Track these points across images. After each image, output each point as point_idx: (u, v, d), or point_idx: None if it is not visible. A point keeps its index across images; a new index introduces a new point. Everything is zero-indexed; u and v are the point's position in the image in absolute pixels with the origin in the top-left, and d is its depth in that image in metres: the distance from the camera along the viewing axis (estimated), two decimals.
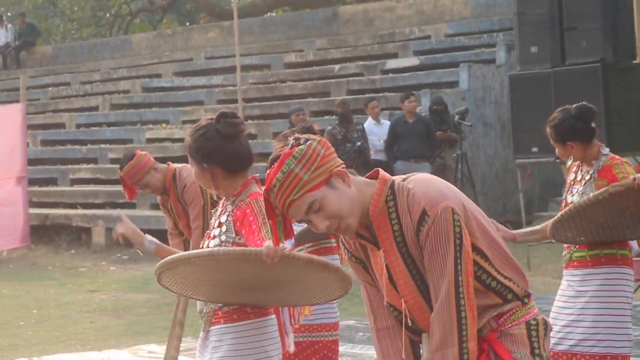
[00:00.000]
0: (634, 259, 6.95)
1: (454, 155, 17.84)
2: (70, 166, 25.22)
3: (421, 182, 3.86)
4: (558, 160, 15.12)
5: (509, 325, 3.91)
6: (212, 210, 6.50)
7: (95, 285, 16.47)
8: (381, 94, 21.26)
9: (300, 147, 3.79)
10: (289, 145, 3.82)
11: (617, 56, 15.48)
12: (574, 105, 6.83)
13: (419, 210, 3.77)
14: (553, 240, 6.81)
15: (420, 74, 23.11)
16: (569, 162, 7.02)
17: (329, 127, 17.90)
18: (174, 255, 4.66)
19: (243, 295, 4.89)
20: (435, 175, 4.19)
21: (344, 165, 3.90)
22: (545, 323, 4.00)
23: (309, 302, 5.38)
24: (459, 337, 3.75)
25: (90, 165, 24.89)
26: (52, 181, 24.84)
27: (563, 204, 6.88)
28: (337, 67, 25.59)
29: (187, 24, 40.72)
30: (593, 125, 6.77)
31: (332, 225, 3.82)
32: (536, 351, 3.92)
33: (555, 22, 15.59)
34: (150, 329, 11.35)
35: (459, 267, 3.73)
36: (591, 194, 6.38)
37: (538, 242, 6.73)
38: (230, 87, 24.86)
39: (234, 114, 5.13)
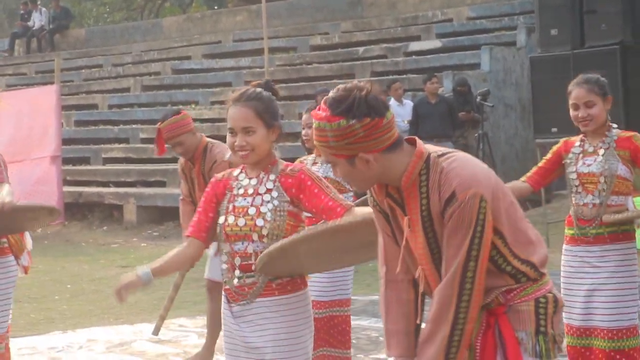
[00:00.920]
0: None
1: (476, 135, 17.84)
2: (102, 146, 25.27)
3: (457, 162, 3.86)
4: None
5: (518, 301, 3.95)
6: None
7: (127, 261, 16.51)
8: (404, 76, 21.27)
9: (341, 121, 3.78)
10: (341, 106, 3.81)
11: (636, 39, 15.43)
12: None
13: (449, 190, 3.79)
14: None
15: (443, 56, 23.09)
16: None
17: None
18: (270, 250, 4.65)
19: (324, 263, 5.14)
20: None
21: (385, 145, 3.85)
22: (556, 300, 4.01)
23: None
24: (454, 317, 3.79)
25: (122, 145, 24.93)
26: (85, 160, 24.89)
27: (575, 177, 6.74)
28: (361, 49, 25.57)
29: (216, 7, 40.62)
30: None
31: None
32: (542, 329, 3.94)
33: (576, 6, 15.55)
34: (180, 303, 11.39)
35: (472, 253, 3.76)
36: None
37: None
38: (258, 69, 24.89)
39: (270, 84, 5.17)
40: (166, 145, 8.63)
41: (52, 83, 23.05)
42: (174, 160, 9.23)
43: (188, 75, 28.18)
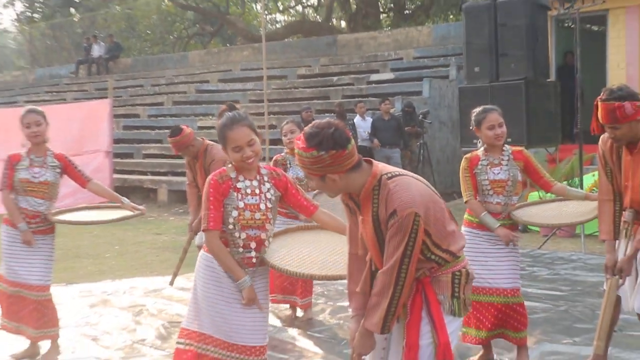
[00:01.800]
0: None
1: (418, 143, 17.91)
2: (142, 145, 25.22)
3: (400, 186, 3.93)
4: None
5: (439, 273, 4.06)
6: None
7: (160, 230, 16.53)
8: (366, 99, 21.25)
9: (313, 152, 3.91)
10: (313, 141, 3.92)
11: (536, 75, 15.50)
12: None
13: (391, 207, 3.89)
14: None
15: (395, 84, 23.10)
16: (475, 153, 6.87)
17: None
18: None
19: None
20: (402, 159, 4.31)
21: (346, 168, 3.97)
22: (468, 273, 4.13)
23: None
24: (392, 294, 3.92)
25: (157, 144, 24.87)
26: (130, 155, 24.86)
27: (487, 183, 6.61)
28: (335, 78, 25.59)
29: (228, 45, 40.60)
30: None
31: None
32: (456, 294, 4.07)
33: (493, 50, 15.58)
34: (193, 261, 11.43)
35: (407, 252, 3.87)
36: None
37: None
38: (258, 91, 24.93)
39: (233, 106, 5.23)
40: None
41: (106, 98, 23.04)
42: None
43: (207, 94, 28.12)
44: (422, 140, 17.87)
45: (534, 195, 12.89)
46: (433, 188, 4.13)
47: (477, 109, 6.79)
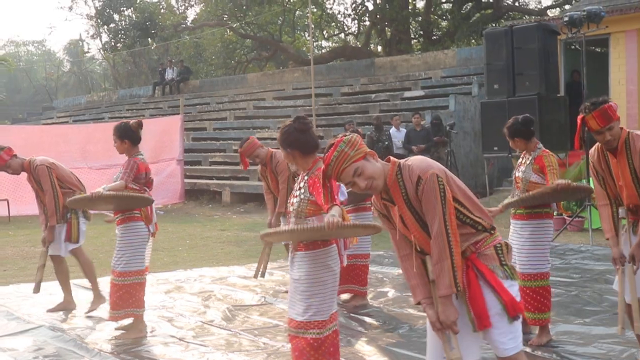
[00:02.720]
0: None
1: (446, 151, 17.78)
2: (209, 153, 25.30)
3: (416, 160, 3.98)
4: (510, 155, 15.22)
5: (483, 248, 3.97)
6: (295, 179, 6.99)
7: (224, 226, 16.56)
8: (400, 113, 21.11)
9: (347, 136, 3.99)
10: (339, 137, 4.01)
11: (547, 91, 15.41)
12: (520, 115, 6.86)
13: (415, 176, 3.88)
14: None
15: (425, 100, 22.96)
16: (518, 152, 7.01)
17: (369, 133, 18.01)
18: (278, 230, 4.83)
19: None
20: None
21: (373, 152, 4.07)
22: (507, 245, 4.06)
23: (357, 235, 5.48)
24: (449, 253, 3.82)
25: (221, 153, 24.96)
26: (198, 162, 24.97)
27: (513, 177, 6.89)
28: (373, 95, 25.48)
29: (281, 67, 40.69)
30: (532, 128, 6.77)
31: (368, 184, 3.95)
32: (503, 262, 3.98)
33: (510, 70, 15.54)
34: (258, 254, 11.41)
35: (444, 210, 3.82)
36: (536, 191, 6.44)
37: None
38: (307, 107, 24.88)
39: (304, 117, 5.22)
40: (248, 160, 8.75)
41: (178, 114, 23.25)
42: (253, 164, 9.32)
43: (263, 110, 28.15)
44: (449, 148, 17.75)
45: None
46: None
47: (510, 121, 6.83)
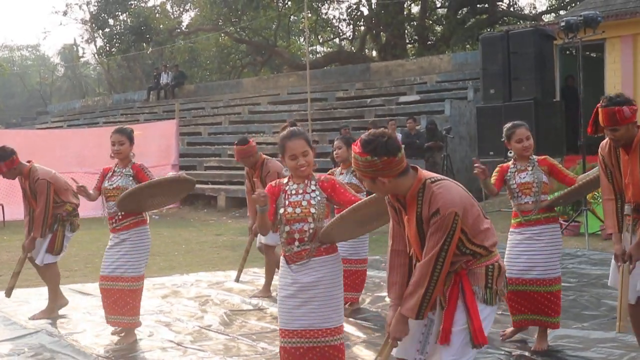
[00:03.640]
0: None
1: (442, 155, 17.78)
2: (204, 158, 25.32)
3: (442, 188, 3.94)
4: (506, 159, 15.19)
5: (475, 266, 4.02)
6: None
7: (219, 231, 16.54)
8: (395, 118, 21.13)
9: (367, 157, 3.94)
10: (368, 147, 3.95)
11: (543, 96, 15.44)
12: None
13: (434, 207, 3.89)
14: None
15: (420, 105, 23.02)
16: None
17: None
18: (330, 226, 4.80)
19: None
20: (427, 168, 4.38)
21: (395, 173, 3.98)
22: (500, 267, 4.08)
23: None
24: (427, 285, 3.90)
25: (216, 158, 24.97)
26: (193, 167, 24.91)
27: (515, 185, 6.69)
28: (368, 100, 25.53)
29: (276, 72, 40.70)
30: None
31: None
32: (489, 285, 4.02)
33: (506, 74, 15.57)
34: (254, 259, 11.39)
35: (444, 247, 3.86)
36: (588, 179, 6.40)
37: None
38: (303, 112, 24.87)
39: (295, 123, 5.23)
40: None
41: (173, 119, 23.21)
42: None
43: (258, 115, 28.18)
44: (446, 152, 17.75)
45: None
46: (468, 192, 4.10)
47: (507, 125, 6.82)
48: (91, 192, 7.20)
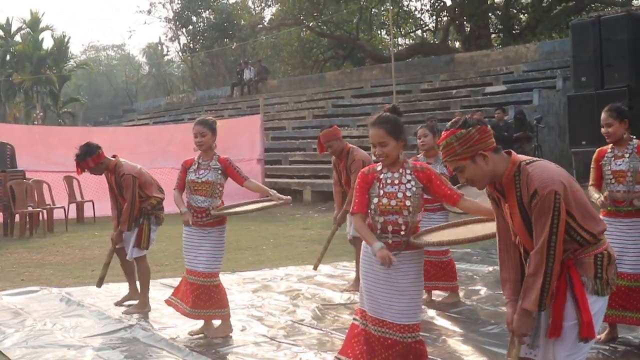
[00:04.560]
0: None
1: (532, 146, 17.46)
2: (289, 152, 25.43)
3: (538, 169, 3.76)
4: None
5: (583, 256, 3.79)
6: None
7: (306, 225, 16.54)
8: (482, 109, 20.85)
9: (462, 131, 3.81)
10: (458, 124, 3.85)
11: (637, 83, 15.02)
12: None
13: (532, 188, 3.70)
14: None
15: (507, 95, 22.68)
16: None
17: None
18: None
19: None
20: None
21: (492, 147, 3.85)
22: (610, 255, 3.85)
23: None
24: (545, 272, 3.68)
25: (301, 152, 25.05)
26: (278, 162, 25.06)
27: (609, 172, 6.46)
28: (453, 91, 25.29)
29: (359, 66, 40.56)
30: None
31: (467, 182, 3.90)
32: (599, 275, 3.79)
33: (598, 61, 15.20)
34: (343, 252, 11.29)
35: (553, 230, 3.65)
36: None
37: None
38: (387, 104, 24.68)
39: (395, 109, 5.09)
40: (324, 146, 8.74)
41: (257, 114, 23.35)
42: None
43: (342, 108, 28.19)
44: (537, 142, 17.41)
45: None
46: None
47: (608, 106, 6.59)
48: (182, 201, 7.26)
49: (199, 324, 7.30)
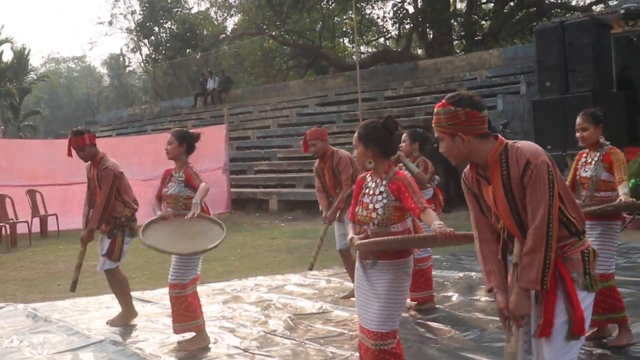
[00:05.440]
0: None
1: None
2: (254, 162, 25.30)
3: (525, 144, 3.77)
4: (564, 153, 14.94)
5: (570, 253, 3.77)
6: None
7: (273, 235, 16.47)
8: None
9: (451, 107, 3.81)
10: (453, 99, 3.83)
11: (602, 88, 15.16)
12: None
13: (524, 160, 3.69)
14: None
15: None
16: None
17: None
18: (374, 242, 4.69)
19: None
20: None
21: (476, 132, 3.80)
22: (594, 252, 3.85)
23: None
24: (546, 247, 3.64)
25: (266, 162, 24.96)
26: (243, 172, 24.95)
27: (577, 178, 6.56)
28: (418, 98, 25.33)
29: (322, 74, 40.59)
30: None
31: (444, 153, 3.91)
32: (587, 270, 3.77)
33: (562, 66, 15.33)
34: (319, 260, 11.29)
35: (551, 202, 3.64)
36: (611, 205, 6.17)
37: None
38: (352, 112, 24.80)
39: (393, 118, 5.02)
40: (308, 145, 8.66)
41: (222, 124, 23.26)
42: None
43: (307, 117, 28.11)
44: None
45: None
46: None
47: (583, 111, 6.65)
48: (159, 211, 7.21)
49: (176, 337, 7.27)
